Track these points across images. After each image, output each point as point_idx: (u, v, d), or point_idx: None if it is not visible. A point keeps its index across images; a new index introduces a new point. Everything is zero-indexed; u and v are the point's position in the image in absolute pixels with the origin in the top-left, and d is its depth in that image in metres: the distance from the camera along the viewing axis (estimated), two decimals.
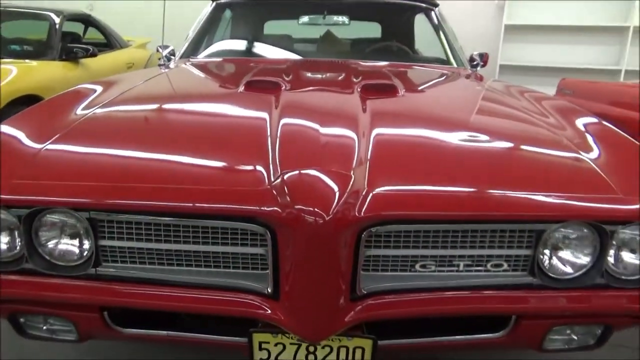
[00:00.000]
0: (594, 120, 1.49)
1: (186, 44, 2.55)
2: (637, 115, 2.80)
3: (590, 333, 1.18)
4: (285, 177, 0.95)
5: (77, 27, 4.45)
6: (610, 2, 5.97)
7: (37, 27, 3.76)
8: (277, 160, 1.02)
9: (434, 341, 1.13)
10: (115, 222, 1.02)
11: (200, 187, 0.99)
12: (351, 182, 0.94)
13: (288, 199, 0.92)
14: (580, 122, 1.46)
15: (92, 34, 4.71)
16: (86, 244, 1.04)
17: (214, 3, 2.74)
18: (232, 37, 2.78)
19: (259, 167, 1.03)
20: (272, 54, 2.52)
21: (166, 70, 2.13)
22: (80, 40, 4.17)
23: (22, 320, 1.16)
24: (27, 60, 3.36)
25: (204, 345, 1.16)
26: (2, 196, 1.00)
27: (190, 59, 2.39)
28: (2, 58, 3.27)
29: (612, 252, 1.07)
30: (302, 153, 1.04)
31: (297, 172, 0.97)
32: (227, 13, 2.82)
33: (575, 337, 1.18)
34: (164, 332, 1.13)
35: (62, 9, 4.04)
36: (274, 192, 0.94)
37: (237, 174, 1.05)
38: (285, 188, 0.93)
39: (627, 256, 1.08)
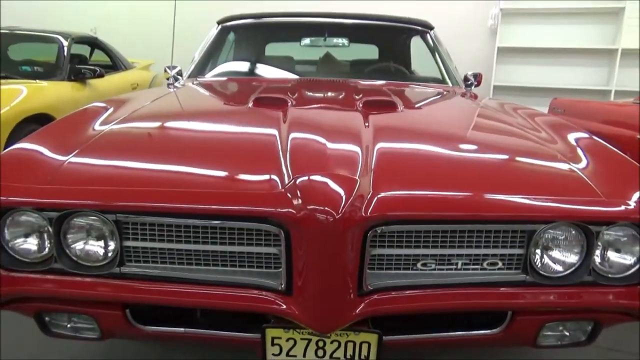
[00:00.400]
0: (584, 134, 1.59)
1: (193, 65, 2.67)
2: (629, 133, 2.91)
3: (581, 329, 1.25)
4: (297, 181, 1.04)
5: (84, 50, 4.59)
6: (599, 25, 6.18)
7: (47, 50, 3.89)
8: (289, 168, 1.11)
9: (434, 337, 1.21)
10: (140, 224, 1.10)
11: (220, 190, 1.08)
12: (357, 186, 1.03)
13: (300, 200, 1.00)
14: (570, 137, 1.55)
15: (98, 56, 4.85)
16: (111, 245, 1.12)
17: (219, 26, 2.87)
18: (236, 59, 2.91)
19: (272, 174, 1.11)
20: (275, 75, 2.63)
21: (175, 89, 2.23)
22: (87, 62, 4.30)
23: (47, 319, 1.23)
24: (37, 81, 3.48)
25: (219, 342, 1.23)
26: (35, 199, 1.09)
27: (198, 79, 2.50)
28: (14, 78, 3.38)
29: (598, 252, 1.16)
30: (311, 161, 1.13)
31: (307, 177, 1.05)
32: (231, 35, 2.94)
33: (567, 333, 1.25)
34: (182, 329, 1.20)
35: (70, 32, 4.18)
36: (288, 194, 1.03)
37: (252, 179, 1.14)
38: (298, 191, 1.02)
39: (613, 255, 1.17)
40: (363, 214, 1.00)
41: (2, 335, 1.78)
